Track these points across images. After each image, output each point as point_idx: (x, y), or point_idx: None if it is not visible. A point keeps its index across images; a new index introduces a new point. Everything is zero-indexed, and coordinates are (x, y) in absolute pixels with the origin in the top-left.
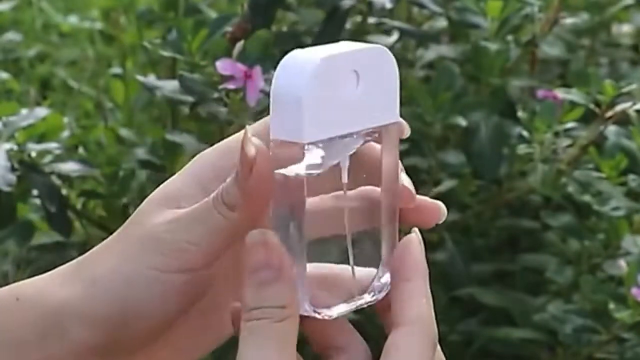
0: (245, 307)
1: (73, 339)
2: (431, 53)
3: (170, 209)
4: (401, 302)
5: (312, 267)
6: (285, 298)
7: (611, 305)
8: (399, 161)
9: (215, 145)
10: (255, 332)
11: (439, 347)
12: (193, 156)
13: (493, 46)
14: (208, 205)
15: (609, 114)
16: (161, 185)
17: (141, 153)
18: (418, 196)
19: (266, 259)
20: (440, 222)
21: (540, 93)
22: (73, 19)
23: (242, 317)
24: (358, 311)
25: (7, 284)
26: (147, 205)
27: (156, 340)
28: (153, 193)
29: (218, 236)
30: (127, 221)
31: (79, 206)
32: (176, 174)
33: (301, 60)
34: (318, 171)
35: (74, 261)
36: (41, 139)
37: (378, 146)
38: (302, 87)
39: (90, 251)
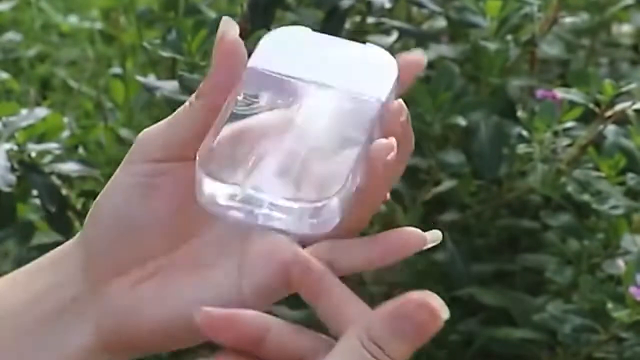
0: (366, 336)
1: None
2: (431, 53)
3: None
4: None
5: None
6: None
7: (609, 305)
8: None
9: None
10: None
11: None
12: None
13: (492, 46)
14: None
15: (609, 113)
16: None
17: None
18: None
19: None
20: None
21: (540, 93)
22: (73, 19)
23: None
24: None
25: None
26: (139, 148)
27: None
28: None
29: (178, 125)
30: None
31: (79, 206)
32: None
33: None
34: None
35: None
36: (41, 139)
37: None
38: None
39: None
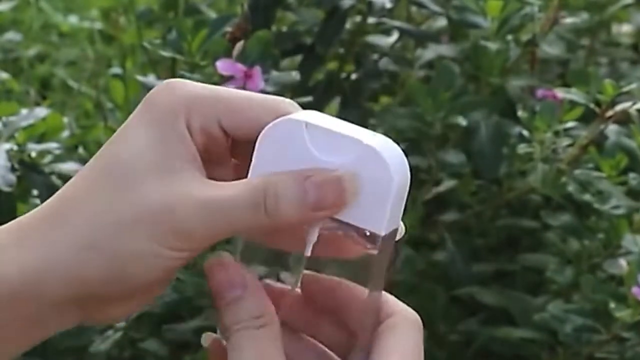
0: (224, 327)
1: (51, 297)
2: (431, 53)
3: (167, 176)
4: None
5: None
6: (258, 309)
7: (611, 305)
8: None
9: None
10: (237, 343)
11: None
12: None
13: (493, 46)
14: (238, 204)
15: (609, 113)
16: (129, 141)
17: None
18: None
19: (228, 279)
20: None
21: (540, 92)
22: (73, 19)
23: (224, 338)
24: None
25: None
26: (135, 168)
27: (134, 296)
28: (127, 149)
29: (235, 233)
30: (113, 180)
31: None
32: (140, 129)
33: None
34: None
35: (52, 215)
36: (41, 139)
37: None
38: None
39: (74, 207)
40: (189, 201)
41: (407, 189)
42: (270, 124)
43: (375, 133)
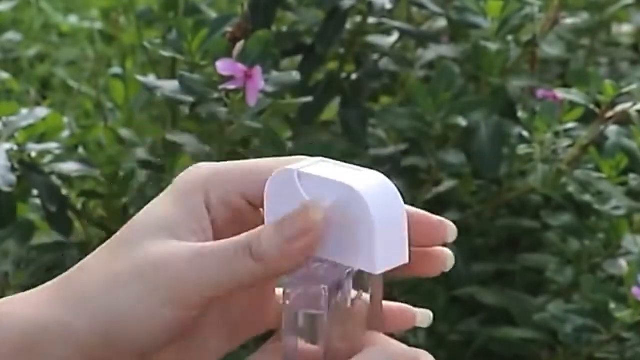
0: None
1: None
2: (431, 53)
3: (170, 239)
4: None
5: None
6: None
7: (612, 305)
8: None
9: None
10: None
11: None
12: (193, 156)
13: (493, 46)
14: (229, 251)
15: (609, 114)
16: (148, 209)
17: (141, 153)
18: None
19: None
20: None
21: (540, 93)
22: (73, 19)
23: None
24: None
25: (7, 284)
26: (143, 228)
27: None
28: (142, 215)
29: (229, 283)
30: (120, 239)
31: (79, 206)
32: (160, 200)
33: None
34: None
35: (61, 278)
36: (41, 139)
37: None
38: None
39: (80, 266)
40: (181, 254)
41: (401, 222)
42: (270, 177)
43: (368, 171)
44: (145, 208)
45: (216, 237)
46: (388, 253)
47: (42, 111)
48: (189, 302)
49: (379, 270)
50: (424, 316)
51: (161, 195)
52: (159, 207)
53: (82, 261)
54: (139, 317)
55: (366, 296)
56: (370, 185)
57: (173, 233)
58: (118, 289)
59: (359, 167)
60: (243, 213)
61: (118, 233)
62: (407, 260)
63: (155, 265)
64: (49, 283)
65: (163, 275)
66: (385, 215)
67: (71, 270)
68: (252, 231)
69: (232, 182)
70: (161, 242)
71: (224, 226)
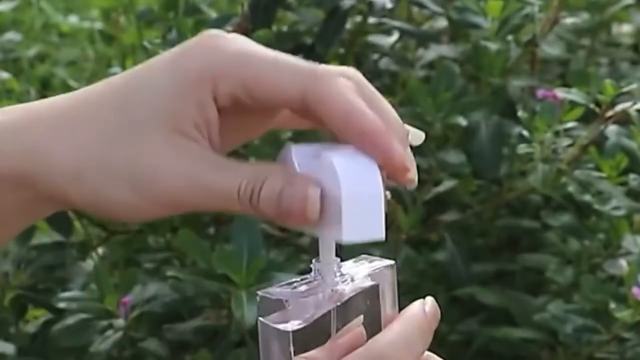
0: None
1: (44, 191)
2: (431, 53)
3: (173, 134)
4: None
5: None
6: None
7: (612, 305)
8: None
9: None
10: None
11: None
12: None
13: (493, 46)
14: (231, 193)
15: (609, 113)
16: (152, 88)
17: None
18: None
19: None
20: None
21: (541, 93)
22: (73, 19)
23: None
24: None
25: (7, 284)
26: (146, 115)
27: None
28: (147, 95)
29: (217, 208)
30: (121, 120)
31: None
32: (166, 81)
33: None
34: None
35: (58, 100)
36: None
37: None
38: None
39: (82, 98)
40: (179, 174)
41: (377, 197)
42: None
43: (350, 147)
44: (147, 78)
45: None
46: (359, 225)
47: None
48: (174, 210)
49: (345, 240)
50: (415, 135)
51: (165, 64)
52: (163, 90)
53: (84, 104)
54: (125, 207)
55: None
56: (347, 157)
57: (177, 126)
58: (107, 181)
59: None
60: (245, 105)
61: (121, 101)
62: (382, 236)
63: (149, 177)
64: (48, 106)
65: (153, 187)
66: (357, 187)
67: (73, 109)
68: (257, 177)
69: (242, 77)
70: (162, 140)
71: (225, 116)
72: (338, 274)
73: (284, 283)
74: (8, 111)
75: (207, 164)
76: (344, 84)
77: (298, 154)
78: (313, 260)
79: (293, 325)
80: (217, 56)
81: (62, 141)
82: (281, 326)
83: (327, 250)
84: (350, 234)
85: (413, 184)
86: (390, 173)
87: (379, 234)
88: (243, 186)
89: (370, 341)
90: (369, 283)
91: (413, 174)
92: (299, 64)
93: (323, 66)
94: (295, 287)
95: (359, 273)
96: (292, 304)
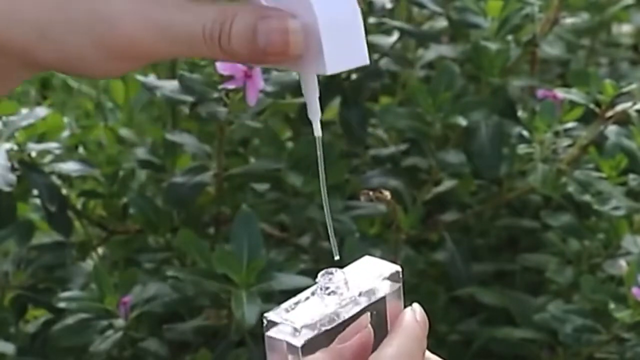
0: None
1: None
2: (431, 53)
3: None
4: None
5: None
6: None
7: (611, 305)
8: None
9: None
10: None
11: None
12: (193, 156)
13: (493, 46)
14: (197, 35)
15: (609, 113)
16: None
17: (141, 153)
18: None
19: None
20: None
21: (540, 93)
22: None
23: None
24: None
25: (7, 284)
26: None
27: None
28: None
29: (186, 55)
30: None
31: (79, 206)
32: None
33: None
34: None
35: None
36: (41, 139)
37: None
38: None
39: None
40: (136, 18)
41: (354, 23)
42: None
43: None
44: None
45: None
46: (341, 53)
47: (42, 111)
48: (139, 63)
49: (330, 71)
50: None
51: None
52: None
53: None
54: (90, 63)
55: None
56: None
57: None
58: (70, 36)
59: None
60: None
61: None
62: (366, 61)
63: (108, 26)
64: None
65: (117, 37)
66: (333, 13)
67: None
68: (223, 16)
69: None
70: None
71: None
72: (345, 289)
73: (289, 302)
74: None
75: (166, 5)
76: None
77: None
78: (319, 275)
79: (300, 341)
80: None
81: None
82: (292, 341)
83: (310, 87)
84: (334, 64)
85: None
86: None
87: (363, 59)
88: (209, 25)
89: (374, 355)
90: (376, 296)
91: None
92: None
93: None
94: (299, 304)
95: (365, 284)
96: (299, 325)
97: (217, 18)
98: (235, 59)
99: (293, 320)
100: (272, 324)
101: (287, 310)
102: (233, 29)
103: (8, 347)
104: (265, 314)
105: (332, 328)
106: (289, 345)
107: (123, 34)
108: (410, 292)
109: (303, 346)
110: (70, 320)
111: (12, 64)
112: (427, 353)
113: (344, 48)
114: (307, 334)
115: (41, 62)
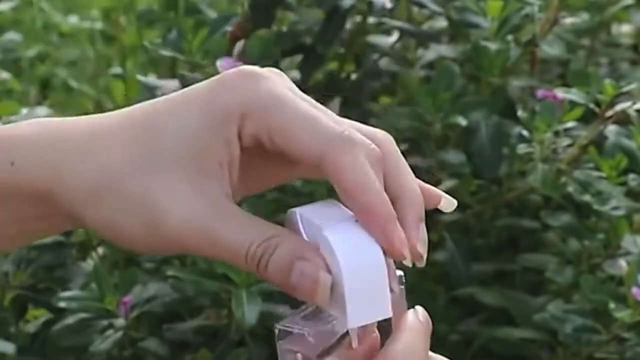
0: None
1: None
2: (431, 53)
3: (196, 176)
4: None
5: None
6: None
7: (611, 305)
8: None
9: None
10: None
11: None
12: None
13: (493, 46)
14: (240, 254)
15: (609, 113)
16: (183, 121)
17: None
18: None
19: None
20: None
21: (540, 93)
22: (73, 19)
23: None
24: None
25: (7, 284)
26: (172, 150)
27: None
28: (177, 130)
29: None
30: (146, 152)
31: None
32: (197, 115)
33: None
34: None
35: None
36: None
37: None
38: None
39: (103, 122)
40: (189, 219)
41: (378, 272)
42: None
43: (348, 222)
44: (176, 110)
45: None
46: (364, 308)
47: (42, 111)
48: (180, 250)
49: (351, 326)
50: (447, 202)
51: (198, 99)
52: (192, 123)
53: (116, 124)
54: (133, 235)
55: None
56: (349, 236)
57: (201, 165)
58: (120, 209)
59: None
60: (267, 151)
61: (146, 133)
62: (389, 314)
63: (160, 215)
64: (75, 122)
65: (165, 228)
66: (358, 271)
67: (98, 128)
68: (269, 244)
69: (268, 122)
70: (182, 176)
71: (246, 158)
72: None
73: (297, 312)
74: (32, 124)
75: (221, 212)
76: (361, 158)
77: (305, 221)
78: None
79: (316, 351)
80: (249, 93)
81: (86, 162)
82: (307, 352)
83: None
84: (356, 319)
85: (421, 263)
86: (390, 255)
87: (385, 312)
88: (253, 248)
89: (382, 351)
90: None
91: (423, 252)
92: (327, 125)
93: (351, 131)
94: (308, 313)
95: None
96: (312, 335)
97: (261, 243)
98: (269, 281)
99: (307, 330)
100: (285, 333)
101: (299, 318)
102: (272, 259)
103: (8, 347)
104: (277, 325)
105: (342, 335)
106: (304, 356)
107: (171, 227)
108: (410, 292)
109: (318, 356)
110: (70, 320)
111: (57, 216)
112: (431, 353)
113: (367, 303)
114: (321, 343)
115: (88, 225)
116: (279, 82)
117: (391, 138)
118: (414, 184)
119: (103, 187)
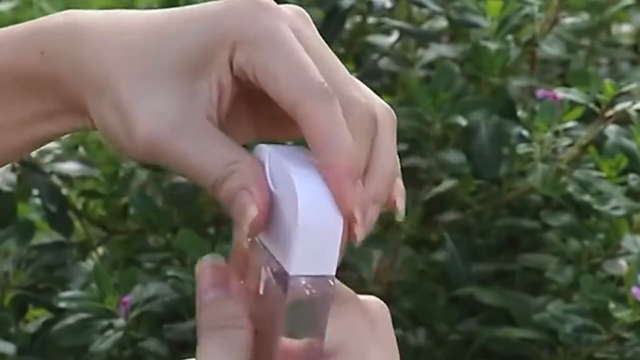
0: (198, 326)
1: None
2: (431, 53)
3: (188, 84)
4: None
5: None
6: (233, 312)
7: (611, 305)
8: None
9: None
10: (205, 342)
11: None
12: None
13: (493, 46)
14: (208, 179)
15: (609, 113)
16: (189, 25)
17: None
18: None
19: (212, 280)
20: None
21: (540, 92)
22: None
23: (198, 334)
24: None
25: (7, 284)
26: (168, 64)
27: None
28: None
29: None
30: (149, 65)
31: (79, 206)
32: (199, 31)
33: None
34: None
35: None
36: None
37: None
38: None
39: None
40: (157, 136)
41: (333, 234)
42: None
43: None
44: (178, 28)
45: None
46: (309, 259)
47: None
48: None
49: (292, 272)
50: (399, 210)
51: (204, 15)
52: (192, 42)
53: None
54: (115, 138)
55: None
56: (313, 184)
57: (190, 84)
58: (112, 108)
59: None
60: (248, 84)
61: (153, 39)
62: (332, 273)
63: (136, 122)
64: (96, 17)
65: (138, 134)
66: (314, 221)
67: (120, 22)
68: (228, 167)
69: (254, 58)
70: (165, 98)
71: (237, 95)
72: None
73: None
74: (68, 15)
75: (193, 132)
76: (335, 112)
77: (273, 159)
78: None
79: None
80: (247, 23)
81: (101, 54)
82: None
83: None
84: (298, 268)
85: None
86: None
87: (329, 270)
88: (212, 171)
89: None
90: None
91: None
92: (311, 75)
93: (348, 90)
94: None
95: None
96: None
97: (222, 167)
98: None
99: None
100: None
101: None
102: (224, 185)
103: (8, 347)
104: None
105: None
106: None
107: (142, 137)
108: (410, 292)
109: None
110: (70, 320)
111: (61, 109)
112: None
113: (314, 256)
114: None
115: (90, 117)
116: (288, 19)
117: (393, 114)
118: (391, 166)
119: (109, 80)
